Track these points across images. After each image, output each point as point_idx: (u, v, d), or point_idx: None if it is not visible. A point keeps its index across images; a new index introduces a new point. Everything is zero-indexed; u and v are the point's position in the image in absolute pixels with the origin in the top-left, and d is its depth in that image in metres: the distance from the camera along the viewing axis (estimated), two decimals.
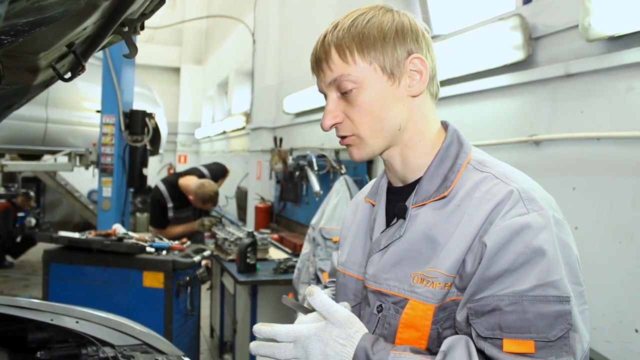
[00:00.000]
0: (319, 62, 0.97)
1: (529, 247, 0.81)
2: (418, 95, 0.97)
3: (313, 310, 0.92)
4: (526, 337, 0.79)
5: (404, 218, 0.97)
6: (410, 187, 1.01)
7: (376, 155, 1.00)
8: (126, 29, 1.29)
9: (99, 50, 1.28)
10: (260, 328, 0.91)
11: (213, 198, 4.31)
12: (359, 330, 0.89)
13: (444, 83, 2.68)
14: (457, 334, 0.88)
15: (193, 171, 4.70)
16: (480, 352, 0.83)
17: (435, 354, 0.89)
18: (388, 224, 1.02)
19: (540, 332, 0.78)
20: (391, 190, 1.06)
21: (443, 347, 0.85)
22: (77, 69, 1.28)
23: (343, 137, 1.00)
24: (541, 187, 0.93)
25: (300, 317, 0.96)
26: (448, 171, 0.96)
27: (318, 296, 0.89)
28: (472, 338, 0.84)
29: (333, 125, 0.98)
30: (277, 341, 0.90)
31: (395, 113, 0.95)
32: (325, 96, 0.99)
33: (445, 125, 1.04)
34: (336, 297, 1.12)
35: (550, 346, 0.78)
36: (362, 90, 0.94)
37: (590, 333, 0.84)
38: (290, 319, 0.99)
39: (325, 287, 1.28)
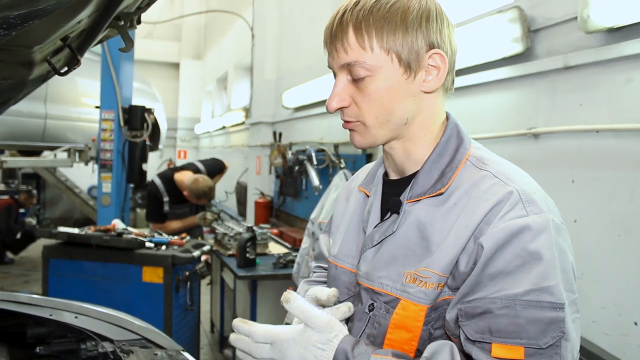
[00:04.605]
0: (333, 40, 0.91)
1: (525, 250, 0.79)
2: (432, 92, 0.93)
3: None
4: (516, 343, 0.76)
5: (398, 213, 0.94)
6: (406, 181, 0.98)
7: (377, 145, 0.98)
8: (122, 22, 1.29)
9: (95, 44, 1.27)
10: (238, 324, 0.90)
11: (207, 193, 4.31)
12: (339, 333, 0.86)
13: None
14: (447, 334, 0.87)
15: (189, 166, 4.70)
16: (467, 356, 0.81)
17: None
18: (382, 217, 0.99)
19: (531, 339, 0.76)
20: (387, 182, 1.03)
21: (426, 353, 0.83)
22: (72, 63, 1.28)
23: (347, 122, 0.96)
24: (541, 188, 0.90)
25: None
26: (446, 167, 0.93)
27: (295, 302, 0.87)
28: (460, 340, 0.83)
29: (339, 108, 0.94)
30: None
31: (405, 107, 0.92)
32: (334, 74, 0.95)
33: (447, 117, 1.00)
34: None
35: (540, 354, 0.76)
36: (375, 79, 0.89)
37: (580, 339, 0.83)
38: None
39: (313, 272, 1.26)
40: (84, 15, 0.96)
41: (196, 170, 4.60)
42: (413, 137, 0.96)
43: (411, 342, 0.89)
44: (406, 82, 0.90)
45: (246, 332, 0.88)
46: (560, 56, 2.03)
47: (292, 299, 0.87)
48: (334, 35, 0.91)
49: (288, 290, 0.90)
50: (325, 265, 1.20)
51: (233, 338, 0.91)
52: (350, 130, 0.97)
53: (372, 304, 0.95)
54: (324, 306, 0.94)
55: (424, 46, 0.90)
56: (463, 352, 0.82)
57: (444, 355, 0.81)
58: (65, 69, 1.30)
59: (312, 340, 0.85)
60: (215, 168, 4.89)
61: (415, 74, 0.90)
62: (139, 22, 1.35)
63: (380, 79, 0.89)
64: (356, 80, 0.91)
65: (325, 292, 0.93)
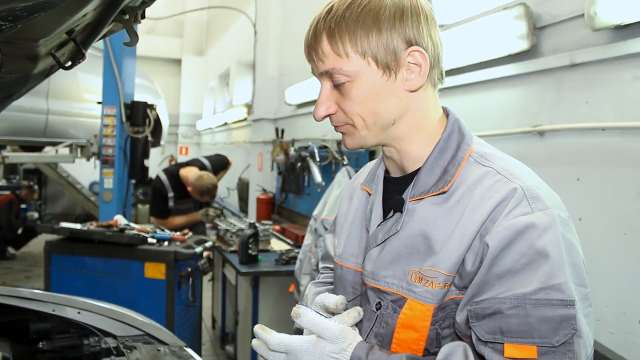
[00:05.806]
0: (310, 51, 0.93)
1: (532, 248, 0.78)
2: (416, 90, 0.92)
3: None
4: (528, 342, 0.76)
5: (401, 211, 0.93)
6: (408, 178, 0.97)
7: (368, 147, 0.98)
8: (127, 16, 1.28)
9: (100, 38, 1.26)
10: (258, 330, 0.91)
11: (211, 191, 4.31)
12: (352, 341, 0.87)
13: (447, 73, 2.66)
14: (457, 334, 0.87)
15: (194, 162, 4.70)
16: (480, 357, 0.80)
17: (433, 354, 0.87)
18: (385, 215, 0.99)
19: (543, 337, 0.76)
20: (388, 180, 1.03)
21: (440, 356, 0.83)
22: (77, 57, 1.27)
23: (337, 125, 0.97)
24: (545, 183, 0.89)
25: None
26: (448, 164, 0.92)
27: (306, 316, 0.87)
28: (471, 341, 0.82)
29: (326, 116, 0.95)
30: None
31: (390, 108, 0.91)
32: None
33: (446, 112, 0.99)
34: (335, 289, 1.11)
35: (553, 352, 0.75)
36: (355, 84, 0.89)
37: (594, 334, 0.82)
38: (291, 310, 0.98)
39: (320, 272, 1.26)
40: (90, 9, 0.95)
41: (202, 167, 4.60)
42: (405, 136, 0.95)
43: (419, 342, 0.89)
44: (387, 83, 0.90)
45: (263, 339, 0.89)
46: (566, 53, 2.02)
47: (302, 314, 0.88)
48: (310, 46, 0.92)
49: (297, 305, 0.90)
50: (332, 266, 1.20)
51: (254, 344, 0.92)
52: (342, 133, 0.97)
53: (379, 303, 0.94)
54: (333, 313, 0.94)
55: (401, 44, 0.88)
56: (476, 353, 0.81)
57: (457, 356, 0.81)
58: (70, 63, 1.29)
59: (325, 350, 0.86)
60: (220, 164, 4.90)
61: (396, 73, 0.90)
62: (143, 16, 1.34)
63: (360, 83, 0.89)
64: (338, 86, 0.91)
65: (333, 300, 0.94)
